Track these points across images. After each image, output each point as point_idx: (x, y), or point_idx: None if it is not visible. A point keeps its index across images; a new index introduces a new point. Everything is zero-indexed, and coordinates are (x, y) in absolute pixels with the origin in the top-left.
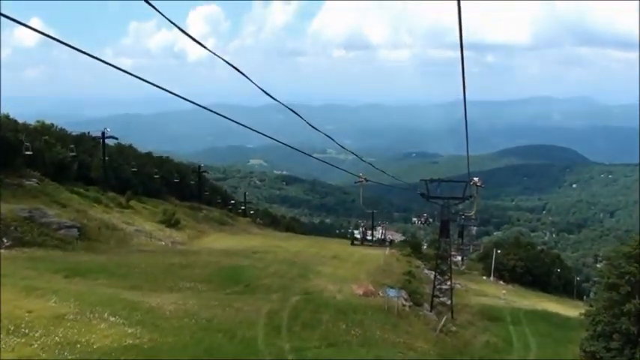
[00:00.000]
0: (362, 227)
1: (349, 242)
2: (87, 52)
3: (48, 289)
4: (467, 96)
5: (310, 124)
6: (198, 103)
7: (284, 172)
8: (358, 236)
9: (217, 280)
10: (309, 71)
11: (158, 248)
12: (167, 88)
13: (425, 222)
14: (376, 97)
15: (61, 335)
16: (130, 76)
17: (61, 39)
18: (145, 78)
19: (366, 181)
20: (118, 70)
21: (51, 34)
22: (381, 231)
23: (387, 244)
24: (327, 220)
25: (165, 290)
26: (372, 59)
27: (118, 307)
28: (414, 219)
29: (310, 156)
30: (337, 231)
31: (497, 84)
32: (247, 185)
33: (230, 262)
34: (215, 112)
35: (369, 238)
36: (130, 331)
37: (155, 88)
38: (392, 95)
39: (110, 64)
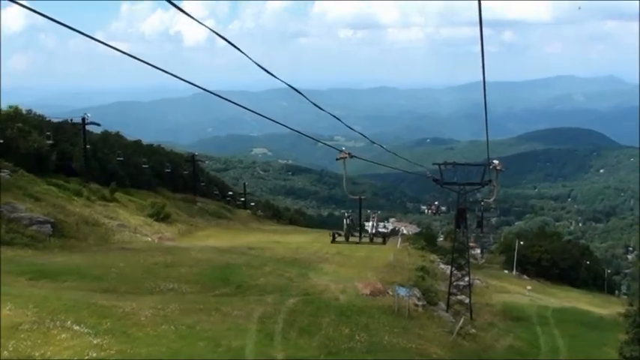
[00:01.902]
0: (347, 219)
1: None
2: (84, 32)
3: (5, 294)
4: (485, 77)
5: (320, 107)
6: (197, 89)
7: (289, 162)
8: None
9: (205, 280)
10: (314, 54)
11: (142, 245)
12: (166, 73)
13: (437, 211)
14: (386, 81)
15: (11, 349)
16: (124, 64)
17: (47, 22)
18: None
19: (350, 156)
20: (111, 59)
21: (38, 17)
22: (371, 223)
23: (382, 239)
24: (336, 213)
25: (144, 293)
26: (381, 40)
27: (84, 313)
28: (424, 207)
29: (319, 141)
30: (366, 224)
31: (516, 64)
32: (250, 176)
33: (221, 260)
34: (220, 96)
35: (374, 232)
36: (95, 341)
37: (151, 76)
38: (403, 78)
39: (114, 47)
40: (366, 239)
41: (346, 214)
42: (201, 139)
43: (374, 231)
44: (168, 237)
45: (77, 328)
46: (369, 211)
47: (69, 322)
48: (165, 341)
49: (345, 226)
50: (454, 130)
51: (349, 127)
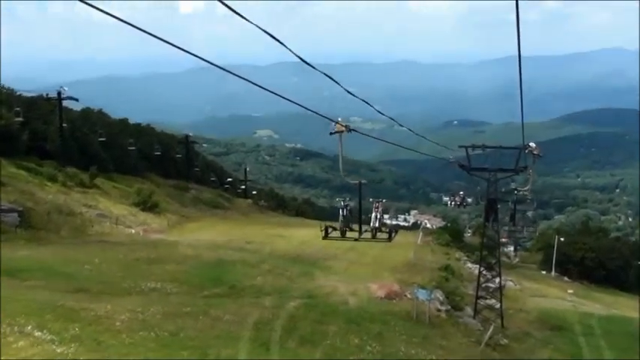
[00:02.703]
0: (343, 209)
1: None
2: None
3: None
4: (520, 50)
5: (338, 83)
6: (195, 61)
7: (298, 146)
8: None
9: (193, 279)
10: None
11: (124, 238)
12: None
13: (461, 203)
14: (408, 54)
15: None
16: (110, 33)
17: None
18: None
19: (349, 130)
20: (95, 27)
21: None
22: (374, 214)
23: (387, 234)
24: (351, 203)
25: (121, 293)
26: (403, 7)
27: (48, 317)
28: (446, 199)
29: (332, 121)
30: (363, 216)
31: (558, 35)
32: (254, 161)
33: (214, 256)
34: (223, 68)
35: (377, 225)
36: (59, 350)
37: (141, 47)
38: (427, 51)
39: (98, 8)
40: (368, 234)
41: (342, 203)
42: (197, 119)
43: (377, 224)
44: (155, 229)
45: (39, 334)
46: (370, 199)
47: (29, 328)
48: (143, 350)
49: (340, 218)
50: (485, 111)
51: (371, 106)
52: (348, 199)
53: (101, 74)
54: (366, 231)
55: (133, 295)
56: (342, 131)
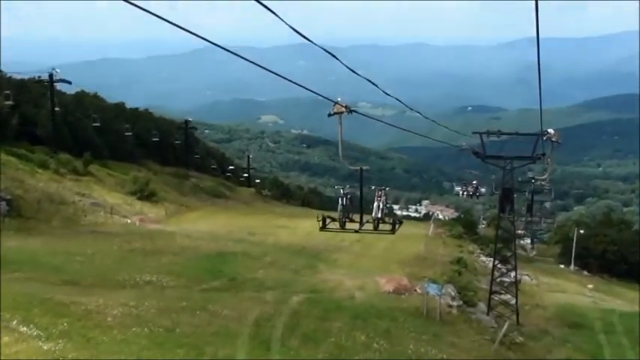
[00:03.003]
0: (343, 198)
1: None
2: None
3: None
4: (539, 32)
5: (345, 65)
6: (194, 44)
7: (304, 132)
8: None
9: (191, 272)
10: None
11: (119, 228)
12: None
13: (474, 193)
14: (420, 36)
15: None
16: (107, 14)
17: None
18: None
19: (349, 111)
20: (91, 5)
21: None
22: (377, 204)
23: (391, 225)
24: (352, 191)
25: (114, 286)
26: None
27: (36, 311)
28: (458, 188)
29: (333, 102)
30: (371, 206)
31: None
32: (258, 148)
33: (213, 248)
34: (227, 50)
35: (379, 215)
36: (46, 347)
37: (140, 28)
38: (440, 33)
39: None
40: (370, 226)
41: (342, 191)
42: (199, 103)
43: (379, 215)
44: (152, 219)
45: (24, 329)
46: (372, 187)
47: (15, 322)
48: (135, 348)
49: (339, 208)
50: (502, 97)
51: (380, 90)
52: (347, 186)
53: (97, 57)
54: (367, 222)
55: (126, 289)
56: (341, 112)
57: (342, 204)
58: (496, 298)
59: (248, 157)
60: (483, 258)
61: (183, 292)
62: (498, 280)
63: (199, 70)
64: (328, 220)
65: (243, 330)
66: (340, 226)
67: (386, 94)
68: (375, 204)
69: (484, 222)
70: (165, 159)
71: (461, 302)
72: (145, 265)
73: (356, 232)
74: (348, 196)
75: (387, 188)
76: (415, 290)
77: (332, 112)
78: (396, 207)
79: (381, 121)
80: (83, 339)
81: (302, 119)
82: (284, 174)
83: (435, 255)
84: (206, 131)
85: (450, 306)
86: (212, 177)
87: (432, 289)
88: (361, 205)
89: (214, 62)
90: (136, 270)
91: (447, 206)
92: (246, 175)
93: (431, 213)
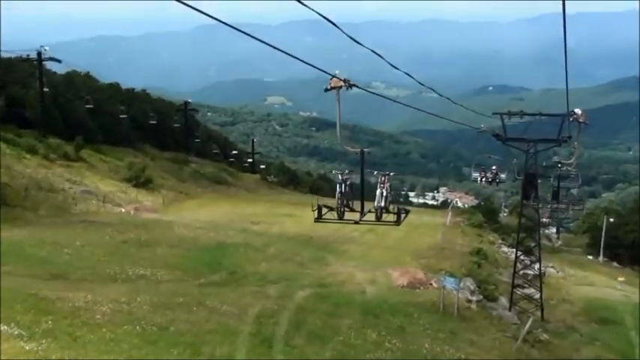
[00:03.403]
0: (342, 184)
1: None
2: None
3: None
4: (565, 6)
5: (357, 42)
6: (196, 21)
7: (313, 114)
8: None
9: (189, 264)
10: None
11: (112, 218)
12: None
13: (493, 179)
14: (438, 11)
15: None
16: None
17: None
18: None
19: (349, 86)
20: None
21: None
22: (380, 191)
23: (396, 215)
24: (372, 179)
25: (105, 281)
26: None
27: (18, 308)
28: (475, 174)
29: (330, 75)
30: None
31: None
32: (264, 132)
33: (213, 238)
34: (232, 27)
35: (382, 204)
36: (28, 347)
37: (137, 4)
38: (459, 8)
39: None
40: (372, 216)
41: (340, 176)
42: (201, 84)
43: (382, 204)
44: (148, 207)
45: (5, 328)
46: (375, 172)
47: None
48: (126, 347)
49: (337, 196)
50: (524, 76)
51: (395, 68)
52: (347, 171)
53: (92, 34)
54: (369, 211)
55: (117, 283)
56: (339, 87)
57: (341, 191)
58: (519, 292)
59: (252, 140)
60: (505, 249)
61: (179, 286)
62: (521, 272)
63: (201, 49)
64: (325, 210)
65: (244, 327)
66: (338, 216)
67: (405, 73)
68: (378, 191)
69: (506, 210)
70: (164, 143)
71: (481, 297)
72: (138, 258)
73: (356, 223)
74: (348, 183)
75: (392, 173)
76: (431, 284)
77: (329, 87)
78: (411, 194)
79: (397, 102)
80: (69, 338)
81: (311, 101)
82: (291, 159)
83: (452, 246)
84: (208, 114)
85: (469, 301)
86: (214, 162)
87: (450, 282)
88: (362, 193)
89: (217, 40)
90: (128, 263)
91: (467, 193)
92: (250, 160)
93: (449, 200)
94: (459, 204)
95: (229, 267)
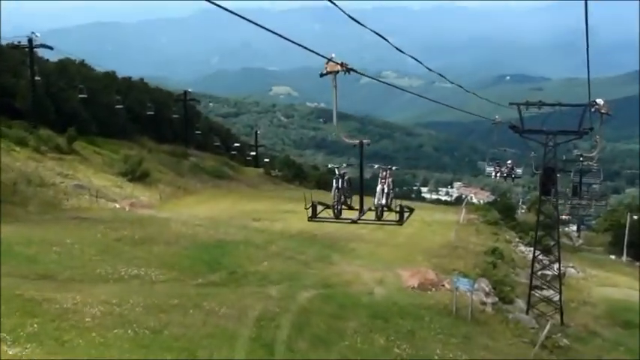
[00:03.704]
0: (339, 179)
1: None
2: None
3: None
4: None
5: (370, 29)
6: (198, 6)
7: (321, 105)
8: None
9: (185, 263)
10: None
11: (105, 214)
12: None
13: (509, 174)
14: None
15: None
16: None
17: None
18: None
19: (346, 71)
20: None
21: None
22: (381, 187)
23: (399, 214)
24: (384, 174)
25: (95, 281)
26: None
27: (2, 310)
28: (489, 169)
29: (328, 59)
30: (397, 189)
31: None
32: (269, 123)
33: (212, 236)
34: (234, 13)
35: (383, 202)
36: (12, 352)
37: None
38: None
39: None
40: (372, 215)
41: (337, 172)
42: (203, 73)
43: (384, 201)
44: (144, 203)
45: None
46: (376, 166)
47: None
48: (117, 352)
49: (334, 192)
50: (543, 65)
51: (410, 57)
52: (344, 165)
53: (89, 21)
54: (369, 209)
55: (109, 284)
56: (335, 71)
57: (338, 187)
58: (537, 294)
59: (256, 132)
60: (522, 248)
61: (175, 287)
62: (539, 273)
63: (203, 36)
64: (320, 208)
65: (243, 331)
66: (335, 215)
67: (417, 60)
68: (379, 187)
69: (524, 206)
70: (162, 135)
71: (496, 299)
72: (132, 256)
73: (354, 222)
74: (346, 178)
75: (394, 168)
76: (443, 285)
77: (324, 72)
78: (424, 189)
79: (409, 92)
80: (56, 342)
81: (318, 91)
82: (298, 152)
83: (466, 244)
84: (210, 104)
85: (484, 303)
86: (215, 156)
87: (463, 283)
88: (361, 189)
89: (220, 27)
90: (121, 262)
91: (482, 188)
92: (253, 153)
93: (463, 196)
94: (474, 200)
95: (229, 266)
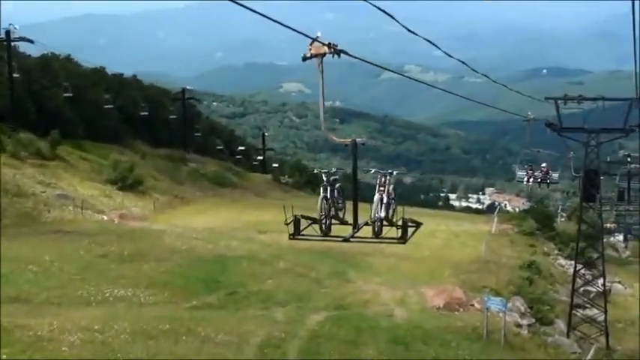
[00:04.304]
0: (326, 186)
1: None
2: None
3: None
4: None
5: (392, 16)
6: None
7: (337, 104)
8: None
9: (180, 282)
10: None
11: (91, 227)
12: None
13: (543, 179)
14: None
15: None
16: None
17: None
18: None
19: (335, 52)
20: None
21: None
22: (379, 196)
23: (401, 229)
24: (407, 179)
25: (76, 303)
26: None
27: None
28: (520, 173)
29: (320, 41)
30: (422, 196)
31: None
32: (279, 124)
33: (211, 251)
34: (238, 3)
35: (381, 215)
36: None
37: None
38: None
39: None
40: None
41: (325, 177)
42: (205, 69)
43: (382, 213)
44: (136, 214)
45: None
46: (372, 170)
47: None
48: None
49: (320, 203)
50: (583, 56)
51: (437, 47)
52: (334, 169)
53: (78, 12)
54: (366, 224)
55: (91, 307)
56: (322, 54)
57: (326, 197)
58: (579, 314)
59: (263, 134)
60: (562, 261)
61: (166, 310)
62: (581, 289)
63: (205, 29)
64: (305, 224)
65: None
66: (322, 231)
67: (444, 52)
68: (376, 197)
69: (563, 214)
70: (157, 138)
71: (532, 320)
72: (118, 275)
73: (345, 241)
74: (337, 186)
75: (395, 172)
76: (472, 305)
77: (309, 55)
78: (452, 196)
79: (435, 87)
80: None
81: (334, 88)
82: (311, 156)
83: (499, 258)
84: (214, 103)
85: (519, 325)
86: (217, 160)
87: (495, 303)
88: (355, 199)
89: (224, 19)
90: (106, 281)
91: (517, 195)
92: (260, 157)
93: (496, 204)
94: (509, 207)
95: (228, 285)
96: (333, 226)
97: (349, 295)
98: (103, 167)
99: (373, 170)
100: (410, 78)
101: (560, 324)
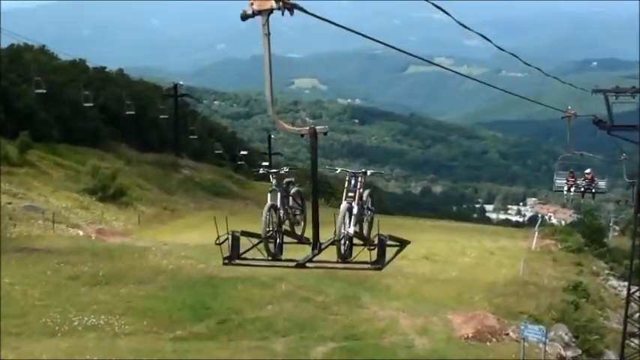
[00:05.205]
0: (276, 189)
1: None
2: None
3: None
4: None
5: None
6: None
7: (356, 102)
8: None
9: (163, 308)
10: None
11: (64, 244)
12: None
13: (587, 188)
14: None
15: None
16: None
17: None
18: None
19: (286, 8)
20: None
21: None
22: (346, 205)
23: (380, 250)
24: (437, 188)
25: (38, 334)
26: None
27: None
28: (560, 181)
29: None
30: (454, 207)
31: None
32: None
33: (202, 271)
34: None
35: (355, 230)
36: None
37: None
38: None
39: None
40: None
41: (274, 180)
42: (206, 63)
43: (351, 229)
44: (117, 229)
45: None
46: (338, 169)
47: None
48: None
49: (265, 217)
50: (637, 47)
51: (479, 35)
52: (286, 169)
53: None
54: (332, 243)
55: (56, 338)
56: (268, 10)
57: (275, 207)
58: (633, 344)
59: (269, 137)
60: (614, 282)
61: (145, 341)
62: (636, 315)
63: (206, 16)
64: (253, 241)
65: None
66: (268, 252)
67: (486, 38)
68: (343, 206)
69: (616, 227)
70: (145, 141)
71: (579, 351)
72: (90, 300)
73: (300, 266)
74: (292, 191)
75: (368, 172)
76: (507, 334)
77: (250, 11)
78: (489, 207)
79: (475, 80)
80: None
81: (352, 83)
82: (327, 161)
83: (539, 279)
84: (215, 102)
85: (562, 358)
86: (215, 167)
87: (533, 331)
88: (315, 210)
89: (227, 4)
90: (75, 307)
91: (564, 206)
92: (266, 163)
93: (539, 216)
94: (553, 220)
95: (220, 312)
96: (289, 245)
97: (362, 322)
98: (80, 175)
99: (339, 170)
100: (447, 69)
101: (612, 355)
